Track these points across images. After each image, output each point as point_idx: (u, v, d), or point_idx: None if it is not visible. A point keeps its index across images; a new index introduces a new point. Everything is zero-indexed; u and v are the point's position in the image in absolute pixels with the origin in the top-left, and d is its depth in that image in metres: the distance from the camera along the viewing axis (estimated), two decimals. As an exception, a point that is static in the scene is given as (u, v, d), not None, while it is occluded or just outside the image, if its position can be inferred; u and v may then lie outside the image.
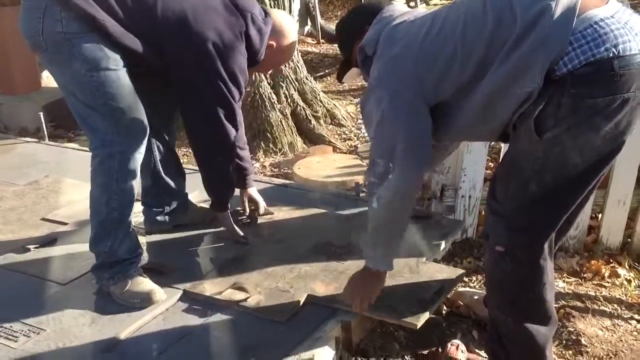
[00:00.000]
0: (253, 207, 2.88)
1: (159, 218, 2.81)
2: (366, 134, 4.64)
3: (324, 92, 4.97)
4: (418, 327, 2.14)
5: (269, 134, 4.39)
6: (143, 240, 2.75)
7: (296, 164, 4.00)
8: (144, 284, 2.33)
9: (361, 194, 3.31)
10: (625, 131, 1.74)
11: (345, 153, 4.35)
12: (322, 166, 3.95)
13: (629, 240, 3.01)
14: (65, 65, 2.19)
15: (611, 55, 1.63)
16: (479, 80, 1.79)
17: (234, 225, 2.71)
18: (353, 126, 4.86)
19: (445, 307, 2.53)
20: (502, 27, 1.74)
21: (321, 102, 4.80)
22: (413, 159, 1.92)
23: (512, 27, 1.72)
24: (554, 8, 1.67)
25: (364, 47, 2.03)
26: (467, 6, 1.87)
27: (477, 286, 2.72)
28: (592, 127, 1.70)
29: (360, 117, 4.99)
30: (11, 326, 2.19)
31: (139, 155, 2.31)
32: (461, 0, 1.96)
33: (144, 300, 2.29)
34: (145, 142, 2.32)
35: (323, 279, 2.40)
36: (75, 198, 3.17)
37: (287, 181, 3.62)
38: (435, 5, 8.00)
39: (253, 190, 2.88)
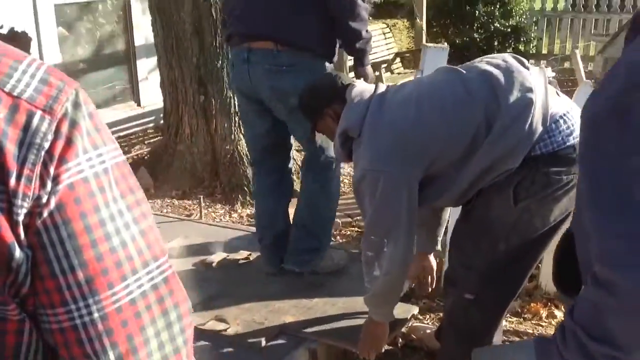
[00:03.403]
0: None
1: None
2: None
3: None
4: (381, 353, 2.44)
5: (245, 188, 4.67)
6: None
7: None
8: (331, 252, 3.15)
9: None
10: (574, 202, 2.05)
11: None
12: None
13: (565, 286, 3.34)
14: None
15: (575, 142, 1.95)
16: (467, 159, 2.01)
17: None
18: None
19: (400, 340, 2.83)
20: (488, 114, 1.97)
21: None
22: (407, 236, 2.10)
23: (497, 115, 1.96)
24: (535, 103, 1.96)
25: (346, 131, 2.15)
26: (451, 89, 2.06)
27: (429, 323, 3.03)
28: (555, 199, 1.99)
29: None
30: None
31: None
32: (438, 77, 2.16)
33: (339, 263, 3.12)
34: None
35: (294, 314, 2.73)
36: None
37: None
38: (399, 74, 8.07)
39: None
